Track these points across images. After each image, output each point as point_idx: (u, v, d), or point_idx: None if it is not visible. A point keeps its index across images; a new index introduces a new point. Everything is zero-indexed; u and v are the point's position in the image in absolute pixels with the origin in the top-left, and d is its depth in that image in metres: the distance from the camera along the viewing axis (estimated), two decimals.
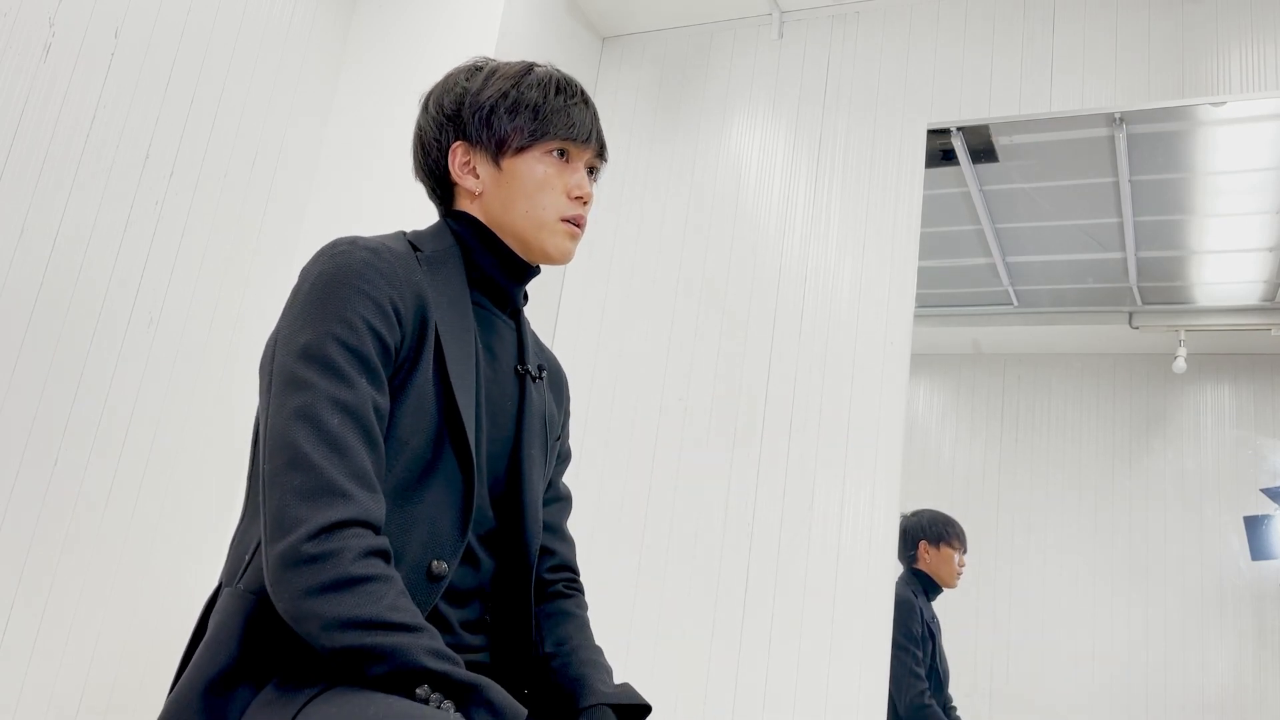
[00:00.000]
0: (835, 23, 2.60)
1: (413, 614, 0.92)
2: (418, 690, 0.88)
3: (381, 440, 0.99)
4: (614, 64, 2.86)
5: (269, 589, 0.92)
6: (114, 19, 1.90)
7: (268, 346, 1.05)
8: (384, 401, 1.00)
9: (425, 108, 1.21)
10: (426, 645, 0.90)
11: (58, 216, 1.81)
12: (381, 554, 0.93)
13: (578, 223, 1.18)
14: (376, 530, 0.94)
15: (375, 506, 0.95)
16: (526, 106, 1.14)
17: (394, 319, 1.02)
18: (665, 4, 2.71)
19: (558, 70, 1.20)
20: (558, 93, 1.16)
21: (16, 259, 1.74)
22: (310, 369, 0.97)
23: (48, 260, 1.79)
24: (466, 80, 1.18)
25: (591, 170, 1.21)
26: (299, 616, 0.90)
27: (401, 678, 0.89)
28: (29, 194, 1.76)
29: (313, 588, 0.89)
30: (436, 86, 1.21)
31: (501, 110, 1.14)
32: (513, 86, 1.15)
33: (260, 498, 0.95)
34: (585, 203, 1.18)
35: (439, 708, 0.87)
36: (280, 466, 0.93)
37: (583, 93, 1.19)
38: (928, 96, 2.44)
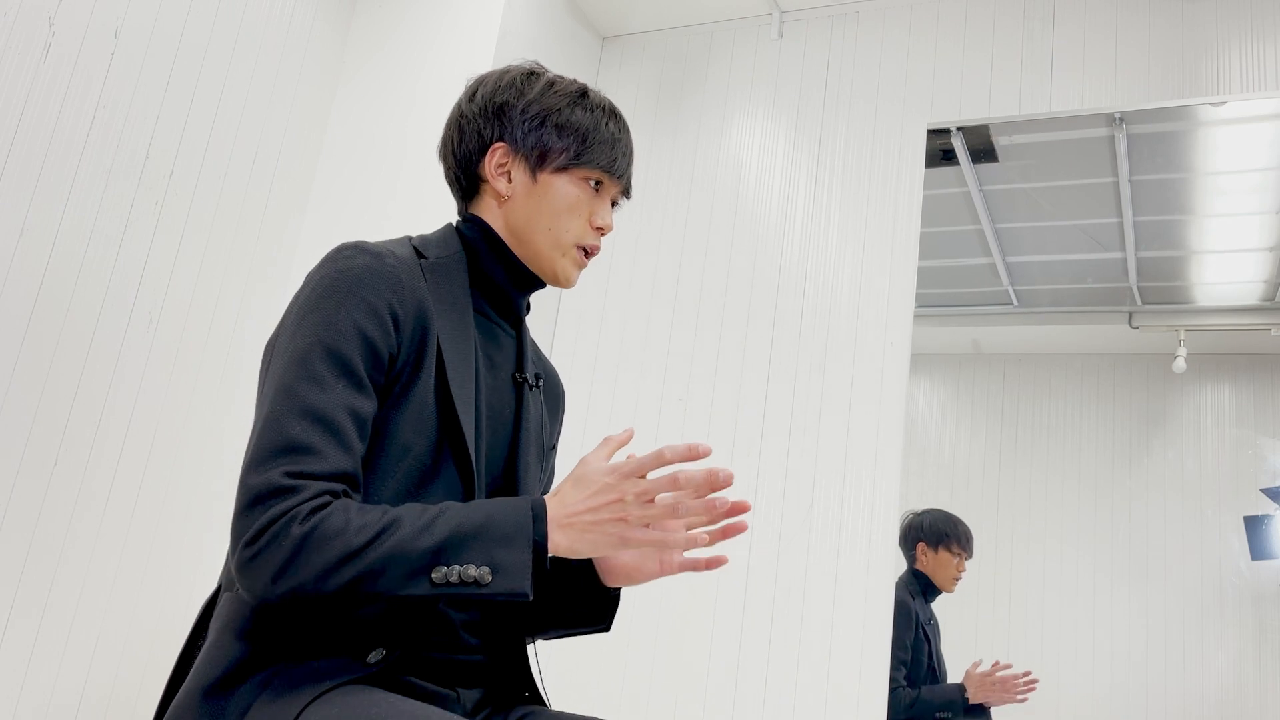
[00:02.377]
0: (835, 23, 2.60)
1: (375, 520, 0.92)
2: (434, 575, 0.91)
3: (356, 442, 0.98)
4: (614, 64, 2.86)
5: (252, 597, 0.93)
6: (114, 19, 1.90)
7: (266, 349, 1.06)
8: (365, 405, 1.00)
9: (472, 96, 1.20)
10: (409, 532, 0.92)
11: (58, 216, 1.81)
12: (320, 508, 0.92)
13: (590, 252, 1.20)
14: (329, 500, 0.94)
15: (330, 487, 0.94)
16: (578, 128, 1.16)
17: (390, 326, 1.03)
18: (665, 4, 2.71)
19: (610, 100, 1.22)
20: (609, 122, 1.18)
21: (16, 259, 1.74)
22: (290, 375, 0.98)
23: (48, 260, 1.79)
24: (522, 83, 1.18)
25: (613, 203, 1.23)
26: (290, 598, 0.91)
27: (413, 576, 0.90)
28: (29, 194, 1.76)
29: (275, 576, 0.90)
30: (489, 78, 1.21)
31: (551, 125, 1.15)
32: (568, 105, 1.17)
33: None
34: (603, 234, 1.20)
35: (459, 582, 0.90)
36: (241, 474, 0.95)
37: (628, 129, 1.21)
38: (928, 96, 2.44)
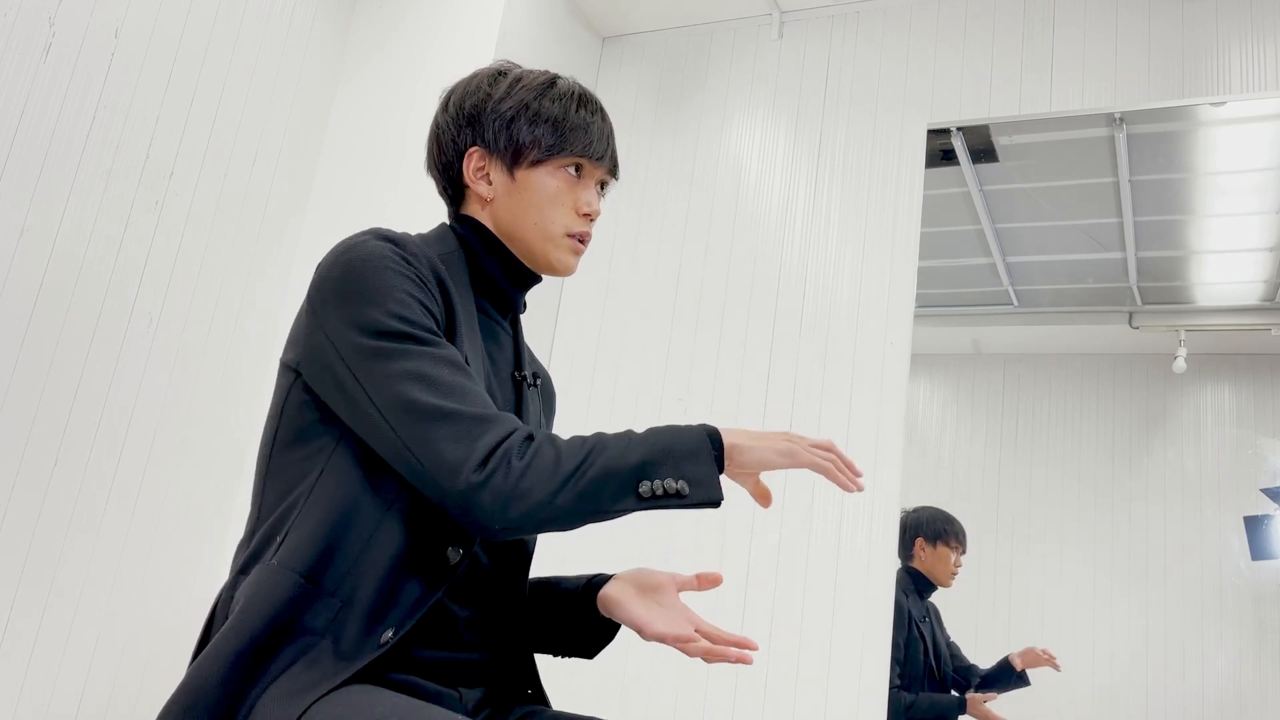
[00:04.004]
0: (835, 23, 2.60)
1: (579, 447, 0.99)
2: (640, 489, 0.98)
3: (482, 389, 1.03)
4: (614, 64, 2.86)
5: (477, 528, 0.97)
6: (114, 19, 1.90)
7: (311, 350, 1.05)
8: (457, 355, 1.04)
9: (445, 106, 1.21)
10: (614, 452, 0.99)
11: (58, 216, 1.81)
12: (527, 440, 0.99)
13: (583, 238, 1.19)
14: (529, 435, 1.00)
15: (513, 421, 1.01)
16: (547, 120, 1.15)
17: (429, 295, 1.05)
18: (665, 4, 2.71)
19: (580, 85, 1.21)
20: (579, 108, 1.17)
21: (16, 259, 1.74)
22: (390, 341, 1.00)
23: (48, 260, 1.79)
24: (489, 85, 1.18)
25: (602, 184, 1.23)
26: (519, 527, 0.96)
27: (623, 492, 0.98)
28: (29, 194, 1.76)
29: (501, 503, 0.95)
30: (458, 86, 1.21)
31: (522, 121, 1.15)
32: (535, 98, 1.16)
33: (404, 462, 0.98)
34: (592, 219, 1.20)
35: (663, 494, 0.98)
36: (414, 424, 0.97)
37: (602, 110, 1.20)
38: (928, 96, 2.44)
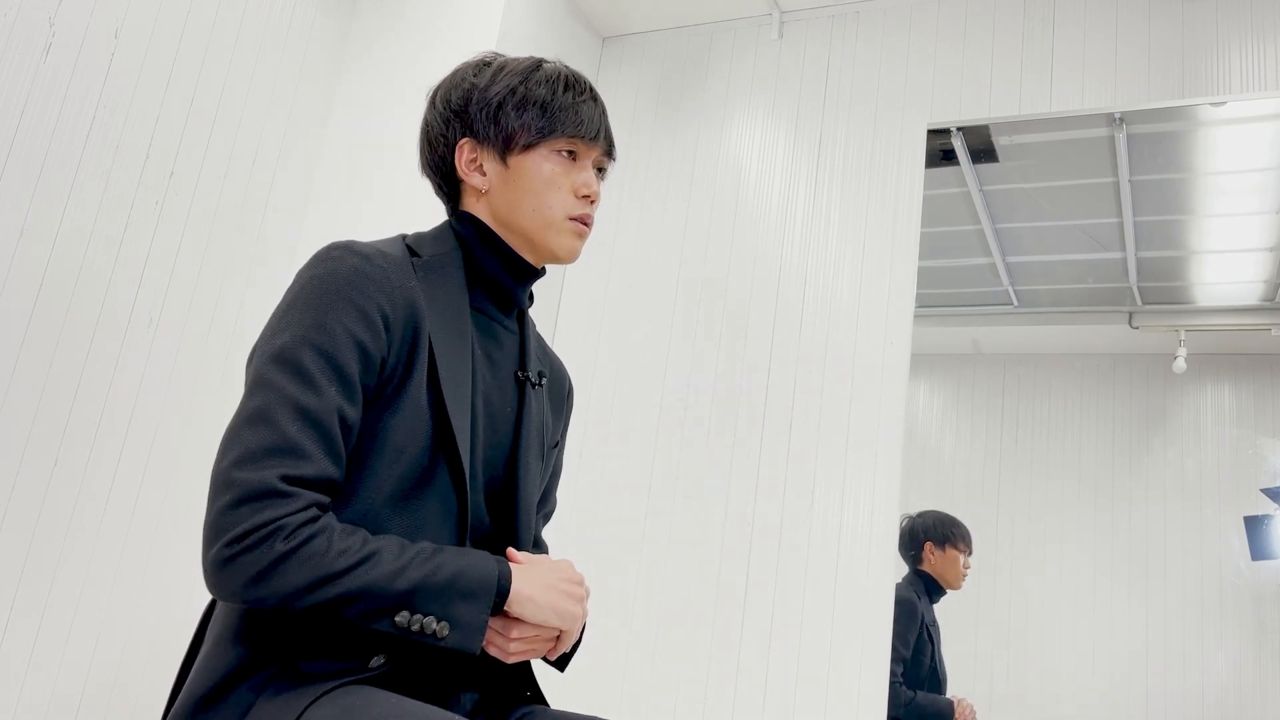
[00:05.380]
0: (835, 23, 2.60)
1: (356, 549, 0.93)
2: (397, 618, 0.92)
3: (343, 450, 0.98)
4: (614, 64, 2.86)
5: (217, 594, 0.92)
6: (114, 19, 1.90)
7: (252, 349, 1.05)
8: (353, 412, 0.99)
9: (432, 103, 1.19)
10: (385, 570, 0.93)
11: (58, 216, 1.81)
12: (308, 522, 0.92)
13: (585, 221, 1.16)
14: (317, 515, 0.93)
15: (319, 499, 0.94)
16: (535, 103, 1.13)
17: (380, 328, 1.01)
18: (665, 4, 2.71)
19: (566, 66, 1.18)
20: (566, 89, 1.14)
21: (16, 259, 1.74)
22: (279, 372, 0.96)
23: (48, 260, 1.79)
24: (474, 76, 1.16)
25: (600, 169, 1.20)
26: (253, 605, 0.91)
27: (379, 614, 0.92)
28: (29, 194, 1.76)
29: (248, 583, 0.90)
30: (444, 81, 1.19)
31: (509, 107, 1.13)
32: (521, 83, 1.14)
33: (207, 492, 0.95)
34: (592, 201, 1.16)
35: (419, 631, 0.93)
36: (226, 468, 0.93)
37: (591, 89, 1.17)
38: (928, 96, 2.44)
